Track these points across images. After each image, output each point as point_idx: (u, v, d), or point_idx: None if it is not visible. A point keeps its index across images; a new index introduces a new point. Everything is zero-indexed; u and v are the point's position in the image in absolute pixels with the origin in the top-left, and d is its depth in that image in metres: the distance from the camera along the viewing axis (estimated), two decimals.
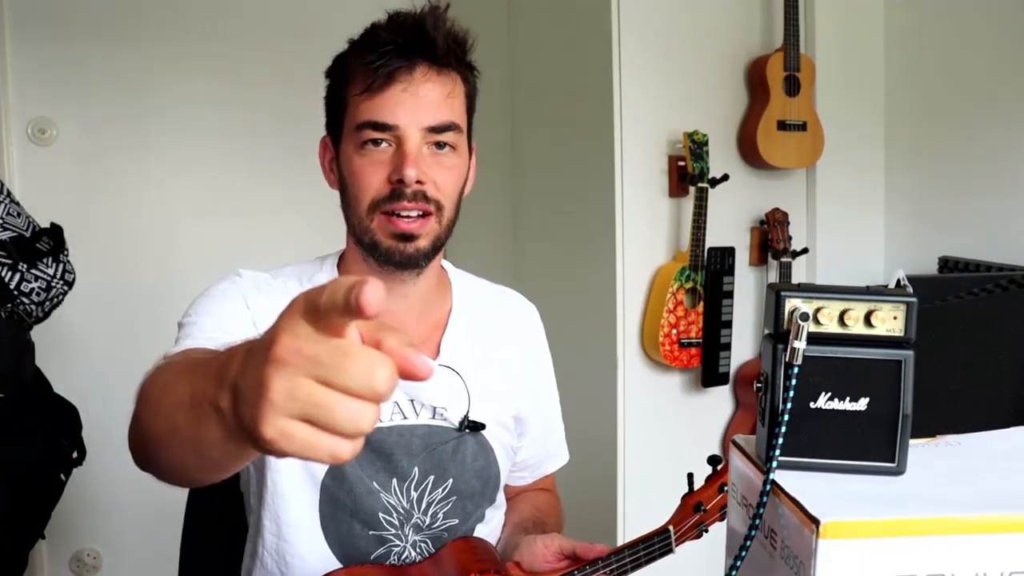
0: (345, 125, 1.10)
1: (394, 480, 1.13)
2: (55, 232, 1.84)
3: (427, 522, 1.16)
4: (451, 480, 1.16)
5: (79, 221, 2.27)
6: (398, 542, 1.15)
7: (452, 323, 1.20)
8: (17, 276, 1.74)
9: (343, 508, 1.12)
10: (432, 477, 1.15)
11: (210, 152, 2.68)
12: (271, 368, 0.51)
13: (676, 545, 1.21)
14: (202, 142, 2.67)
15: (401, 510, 1.14)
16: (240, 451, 0.62)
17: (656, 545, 1.19)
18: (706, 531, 1.24)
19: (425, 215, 1.08)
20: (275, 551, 1.15)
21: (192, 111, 2.66)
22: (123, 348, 2.55)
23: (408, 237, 1.07)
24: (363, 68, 1.07)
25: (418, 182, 1.06)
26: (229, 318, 1.08)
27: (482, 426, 1.17)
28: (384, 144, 1.07)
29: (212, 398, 0.59)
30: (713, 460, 1.24)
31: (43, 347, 1.84)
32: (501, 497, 1.26)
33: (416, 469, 1.14)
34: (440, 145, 1.08)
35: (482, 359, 1.20)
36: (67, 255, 1.85)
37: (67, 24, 2.53)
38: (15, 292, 1.74)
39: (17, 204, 1.80)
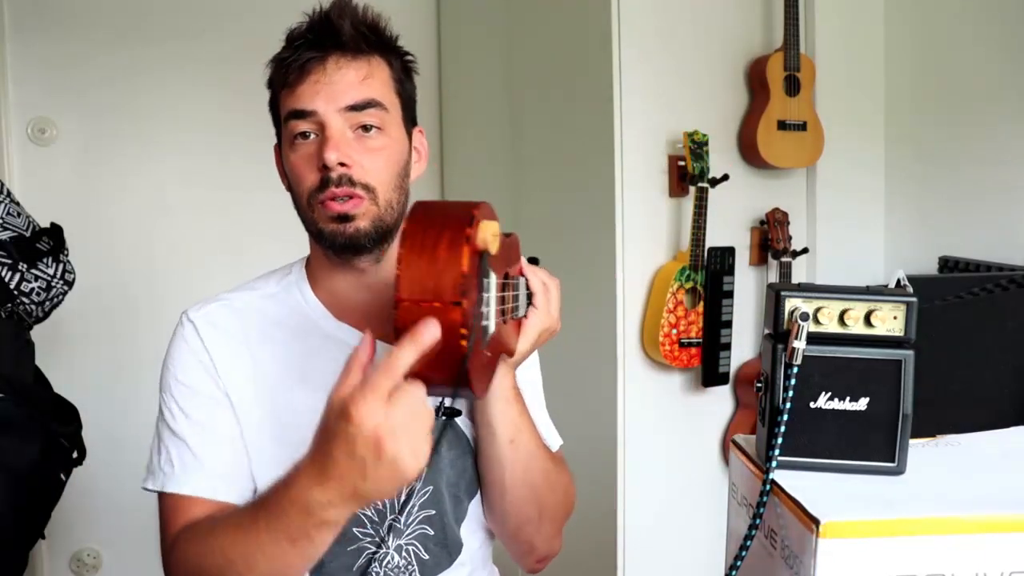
0: (282, 127, 1.12)
1: None
2: (55, 232, 1.83)
3: (402, 519, 1.14)
4: (424, 468, 1.13)
5: (79, 221, 2.26)
6: (374, 548, 1.12)
7: None
8: (17, 276, 1.74)
9: None
10: None
11: (210, 152, 2.68)
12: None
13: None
14: (202, 142, 2.67)
15: (375, 514, 1.12)
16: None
17: None
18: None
19: (355, 197, 1.07)
20: None
21: (192, 111, 2.66)
22: (123, 348, 2.55)
23: (344, 218, 1.08)
24: (281, 67, 1.10)
25: (342, 164, 1.06)
26: (210, 414, 1.10)
27: (458, 412, 1.15)
28: (312, 136, 1.08)
29: (316, 524, 0.83)
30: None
31: (43, 347, 1.84)
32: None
33: None
34: (366, 128, 1.08)
35: None
36: (67, 255, 1.84)
37: (67, 24, 2.53)
38: (15, 292, 1.73)
39: (17, 204, 1.80)
